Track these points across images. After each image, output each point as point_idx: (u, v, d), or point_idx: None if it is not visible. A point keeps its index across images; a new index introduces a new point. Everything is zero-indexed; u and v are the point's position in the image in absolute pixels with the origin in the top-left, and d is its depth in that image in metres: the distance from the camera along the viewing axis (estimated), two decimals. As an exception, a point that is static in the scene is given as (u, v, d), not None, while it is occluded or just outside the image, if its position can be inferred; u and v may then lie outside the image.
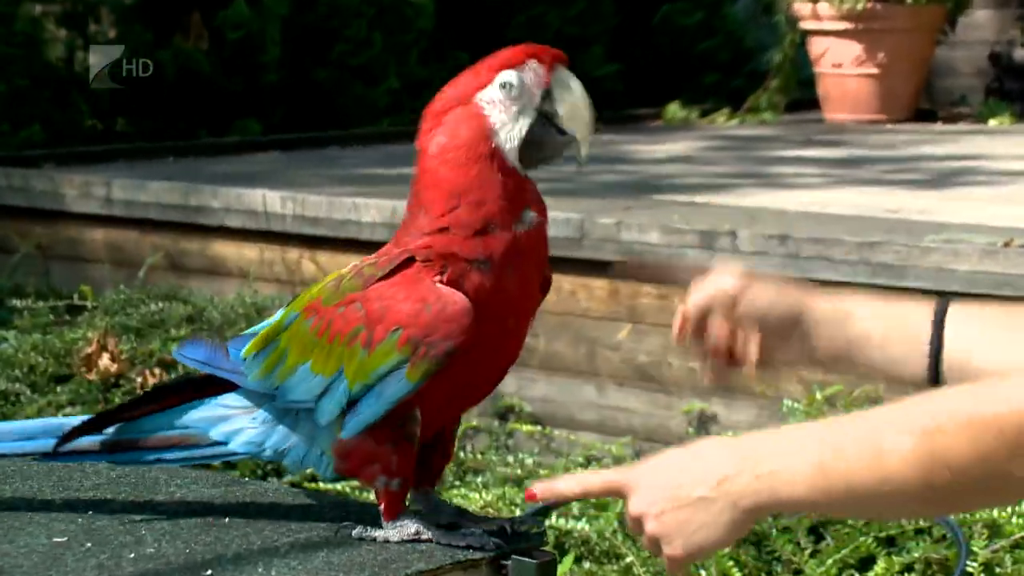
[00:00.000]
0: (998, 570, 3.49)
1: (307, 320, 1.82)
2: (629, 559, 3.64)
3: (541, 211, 1.82)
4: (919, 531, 3.63)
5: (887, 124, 8.66)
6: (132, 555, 1.76)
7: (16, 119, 7.96)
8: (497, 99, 1.79)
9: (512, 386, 5.11)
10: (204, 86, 8.48)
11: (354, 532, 1.83)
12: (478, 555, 1.77)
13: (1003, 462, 1.50)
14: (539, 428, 4.66)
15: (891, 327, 1.84)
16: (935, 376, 1.81)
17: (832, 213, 5.45)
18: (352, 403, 1.79)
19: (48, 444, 1.92)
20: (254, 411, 1.87)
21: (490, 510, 3.78)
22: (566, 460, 4.40)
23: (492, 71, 1.79)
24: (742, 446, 1.63)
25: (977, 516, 3.55)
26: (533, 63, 1.79)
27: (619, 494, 1.70)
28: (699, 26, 10.05)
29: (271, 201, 5.97)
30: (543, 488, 1.75)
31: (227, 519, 1.89)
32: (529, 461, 4.29)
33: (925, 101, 9.12)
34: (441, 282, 1.76)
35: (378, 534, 1.82)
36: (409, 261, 1.79)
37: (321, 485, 3.82)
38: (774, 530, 3.68)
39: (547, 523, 3.66)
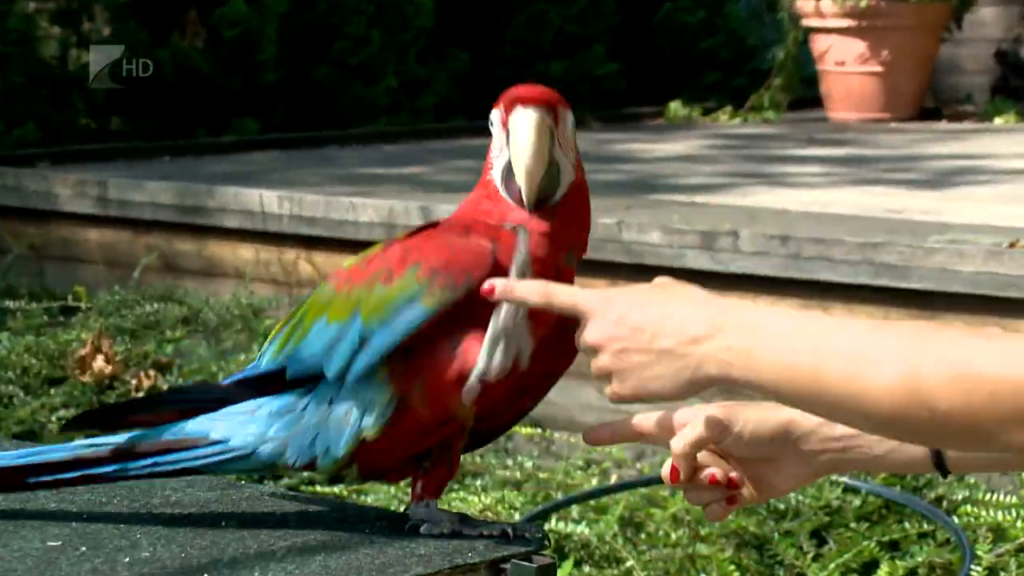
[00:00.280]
0: (1003, 574, 3.47)
1: (329, 284, 1.81)
2: (629, 563, 3.62)
3: (548, 254, 1.78)
4: (923, 535, 3.62)
5: (891, 123, 8.65)
6: (127, 559, 1.75)
7: (10, 117, 7.95)
8: (494, 132, 1.79)
9: (511, 387, 5.08)
10: (201, 85, 8.46)
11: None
12: (476, 559, 1.75)
13: (989, 423, 1.46)
14: (539, 431, 4.62)
15: None
16: (938, 459, 1.78)
17: (834, 213, 5.43)
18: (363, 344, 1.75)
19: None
20: (256, 409, 1.83)
21: (489, 513, 3.76)
22: (566, 463, 4.37)
23: (497, 103, 1.78)
24: (724, 313, 1.59)
25: (981, 520, 3.54)
26: (501, 105, 1.77)
27: (582, 314, 1.67)
28: (701, 24, 10.04)
29: (268, 201, 5.94)
30: (503, 286, 1.69)
31: (223, 523, 1.87)
32: (528, 464, 4.27)
33: (930, 99, 9.10)
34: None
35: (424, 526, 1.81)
36: (434, 224, 1.79)
37: (318, 488, 3.80)
38: (776, 534, 3.66)
39: (547, 527, 3.64)
